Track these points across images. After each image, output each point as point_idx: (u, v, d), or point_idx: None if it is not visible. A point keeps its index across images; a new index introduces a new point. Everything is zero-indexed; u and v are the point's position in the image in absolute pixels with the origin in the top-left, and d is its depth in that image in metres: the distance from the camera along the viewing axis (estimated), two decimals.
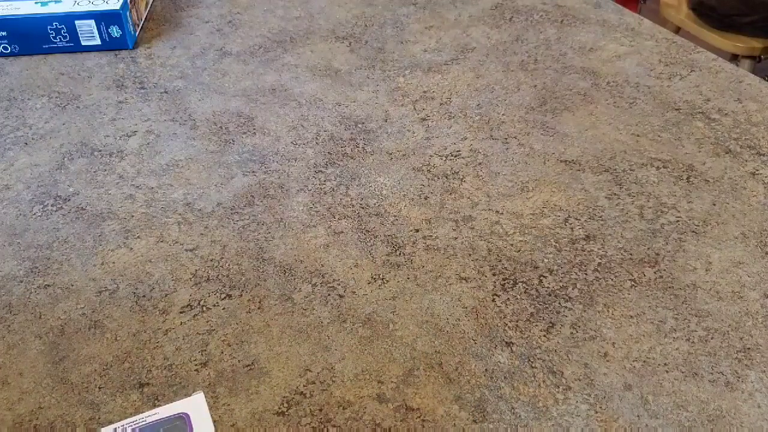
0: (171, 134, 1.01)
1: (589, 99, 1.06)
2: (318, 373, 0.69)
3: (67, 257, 0.82)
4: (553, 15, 1.28)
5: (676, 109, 1.03)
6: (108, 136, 1.01)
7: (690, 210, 0.86)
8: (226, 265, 0.80)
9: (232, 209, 0.88)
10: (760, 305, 0.74)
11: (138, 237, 0.84)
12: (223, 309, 0.75)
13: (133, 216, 0.87)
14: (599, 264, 0.79)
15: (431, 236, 0.83)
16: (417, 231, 0.84)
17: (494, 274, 0.78)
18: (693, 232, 0.83)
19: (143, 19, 1.28)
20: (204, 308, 0.75)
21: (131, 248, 0.83)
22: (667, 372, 0.68)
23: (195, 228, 0.85)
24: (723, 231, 0.83)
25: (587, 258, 0.80)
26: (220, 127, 1.02)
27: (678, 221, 0.84)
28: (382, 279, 0.78)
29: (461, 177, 0.92)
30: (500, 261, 0.80)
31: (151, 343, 0.72)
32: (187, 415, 0.59)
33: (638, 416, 0.64)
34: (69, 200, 0.90)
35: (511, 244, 0.82)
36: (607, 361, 0.69)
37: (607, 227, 0.84)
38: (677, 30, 2.24)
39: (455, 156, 0.95)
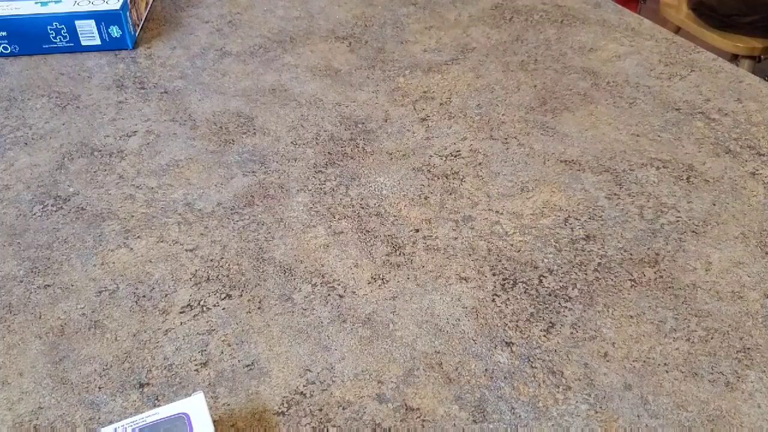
0: (171, 134, 1.01)
1: (589, 99, 1.06)
2: (318, 373, 0.69)
3: (67, 257, 0.82)
4: (553, 15, 1.28)
5: (676, 109, 1.03)
6: (108, 136, 1.01)
7: (690, 210, 0.86)
8: (226, 265, 0.80)
9: (232, 209, 0.88)
10: (760, 305, 0.74)
11: (138, 237, 0.84)
12: (223, 309, 0.75)
13: (133, 216, 0.87)
14: (599, 264, 0.79)
15: (431, 236, 0.83)
16: (417, 231, 0.84)
17: (494, 274, 0.78)
18: (693, 232, 0.83)
19: (143, 19, 1.28)
20: (204, 308, 0.75)
21: (131, 248, 0.83)
22: (667, 372, 0.68)
23: (195, 228, 0.85)
24: (723, 231, 0.83)
25: (587, 258, 0.80)
26: (220, 127, 1.02)
27: (678, 221, 0.84)
28: (382, 279, 0.78)
29: (461, 177, 0.92)
30: (500, 261, 0.80)
31: (151, 343, 0.72)
32: (187, 415, 0.59)
33: (638, 416, 0.64)
34: (69, 200, 0.90)
35: (511, 244, 0.82)
36: (607, 361, 0.69)
37: (607, 227, 0.84)
38: (677, 30, 2.24)
39: (455, 156, 0.95)
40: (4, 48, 1.18)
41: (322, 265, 0.80)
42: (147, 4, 1.31)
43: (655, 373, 0.68)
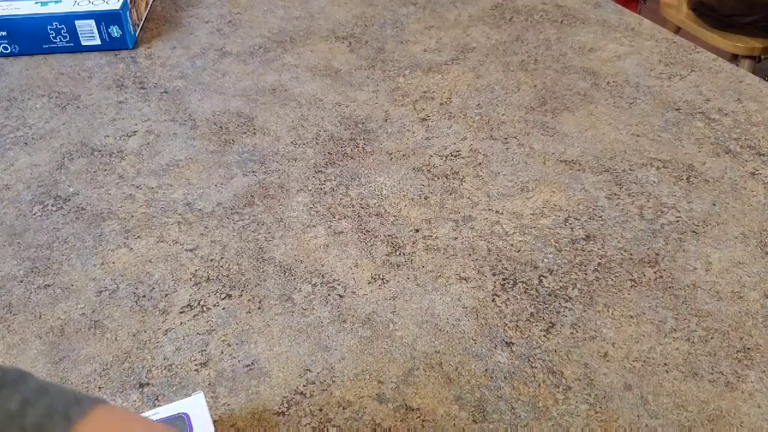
0: (171, 134, 1.01)
1: (589, 99, 1.06)
2: (318, 373, 0.69)
3: (67, 257, 0.82)
4: (553, 15, 1.28)
5: (676, 109, 1.03)
6: (108, 136, 1.01)
7: (690, 210, 0.86)
8: (226, 265, 0.80)
9: (232, 209, 0.88)
10: (760, 305, 0.74)
11: (138, 237, 0.84)
12: (223, 309, 0.75)
13: (133, 216, 0.87)
14: (599, 264, 0.79)
15: (431, 236, 0.83)
16: (417, 231, 0.84)
17: (494, 274, 0.78)
18: (693, 232, 0.83)
19: (143, 19, 1.28)
20: (204, 308, 0.75)
21: (131, 248, 0.83)
22: (667, 372, 0.68)
23: (195, 228, 0.85)
24: (723, 231, 0.83)
25: (587, 258, 0.80)
26: (220, 127, 1.02)
27: (678, 221, 0.84)
28: (382, 279, 0.78)
29: (461, 177, 0.92)
30: (500, 261, 0.80)
31: (151, 343, 0.72)
32: (187, 415, 0.59)
33: (638, 416, 0.64)
34: (69, 200, 0.90)
35: (511, 244, 0.82)
36: (607, 361, 0.69)
37: (607, 227, 0.84)
38: (677, 30, 2.24)
39: (455, 156, 0.95)
40: (4, 48, 1.18)
41: (322, 265, 0.80)
42: (147, 4, 1.31)
43: (655, 373, 0.68)
